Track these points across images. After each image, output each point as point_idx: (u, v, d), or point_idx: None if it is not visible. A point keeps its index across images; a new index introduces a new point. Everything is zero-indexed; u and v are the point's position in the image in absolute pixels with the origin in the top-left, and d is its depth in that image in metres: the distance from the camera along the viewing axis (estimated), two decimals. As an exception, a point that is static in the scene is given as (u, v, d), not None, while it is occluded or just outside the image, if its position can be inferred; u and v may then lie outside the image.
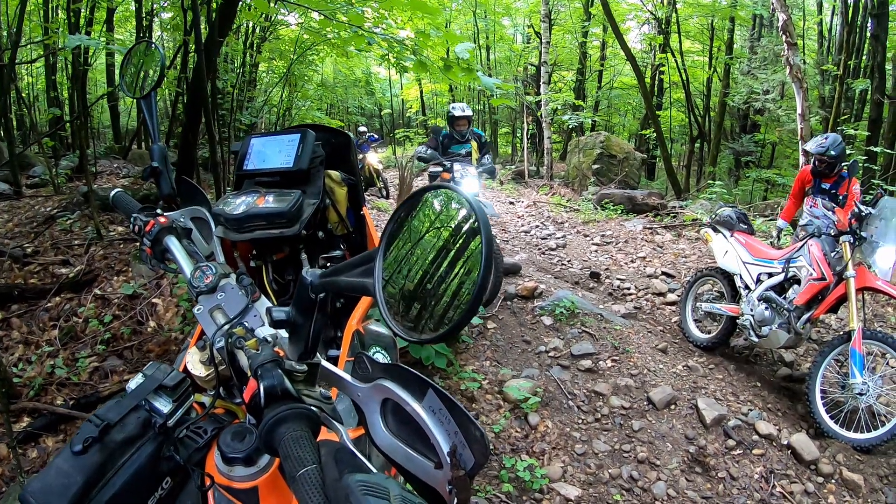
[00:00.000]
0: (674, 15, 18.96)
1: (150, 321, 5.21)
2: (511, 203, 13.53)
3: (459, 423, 0.97)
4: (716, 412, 4.59)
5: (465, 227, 0.92)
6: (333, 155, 2.20)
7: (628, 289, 7.56)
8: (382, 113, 35.97)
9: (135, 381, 1.14)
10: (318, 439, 0.96)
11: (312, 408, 1.02)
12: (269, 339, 1.23)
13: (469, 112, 7.54)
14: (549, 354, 5.34)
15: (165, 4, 11.60)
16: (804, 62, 13.73)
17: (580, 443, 4.30)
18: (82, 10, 10.71)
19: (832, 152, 5.64)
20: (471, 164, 7.03)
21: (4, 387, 3.75)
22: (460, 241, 0.92)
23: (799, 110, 10.04)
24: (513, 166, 20.15)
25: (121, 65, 2.10)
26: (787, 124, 16.78)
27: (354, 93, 29.55)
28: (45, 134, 10.43)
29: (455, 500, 0.99)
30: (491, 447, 4.12)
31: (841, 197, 5.54)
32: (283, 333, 1.26)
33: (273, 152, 2.04)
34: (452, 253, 0.93)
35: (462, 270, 0.91)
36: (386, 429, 1.08)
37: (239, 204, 1.85)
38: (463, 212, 0.94)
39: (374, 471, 1.05)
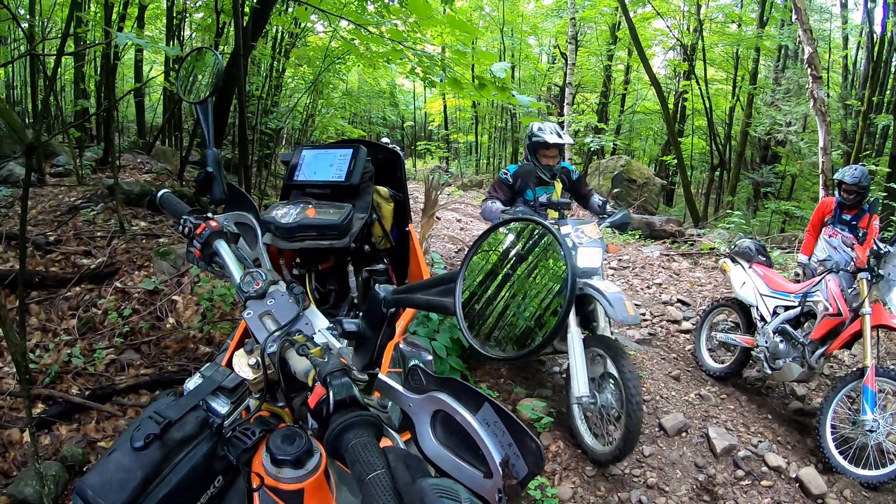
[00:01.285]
0: (699, 42, 18.99)
1: (170, 318, 5.29)
2: (529, 223, 13.53)
3: (514, 435, 1.02)
4: (726, 442, 4.62)
5: (549, 255, 1.00)
6: (382, 171, 2.26)
7: (643, 314, 7.58)
8: (405, 125, 36.08)
9: (193, 382, 1.19)
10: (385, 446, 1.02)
11: (376, 416, 1.07)
12: (332, 347, 1.28)
13: (566, 138, 5.42)
14: (563, 376, 5.37)
15: (198, 5, 11.71)
16: (828, 95, 13.73)
17: (591, 466, 4.33)
18: (115, 6, 10.82)
19: (863, 183, 5.69)
20: (582, 220, 5.32)
21: (21, 373, 3.81)
22: (546, 271, 0.99)
23: (821, 143, 10.07)
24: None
25: (177, 69, 2.16)
26: (808, 157, 16.77)
27: (378, 103, 29.65)
28: (71, 124, 10.48)
29: None
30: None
31: (861, 231, 5.57)
32: (336, 342, 1.32)
33: (324, 165, 2.10)
34: (535, 281, 1.00)
35: (547, 298, 0.98)
36: (435, 439, 1.12)
37: (290, 214, 1.91)
38: (545, 241, 1.01)
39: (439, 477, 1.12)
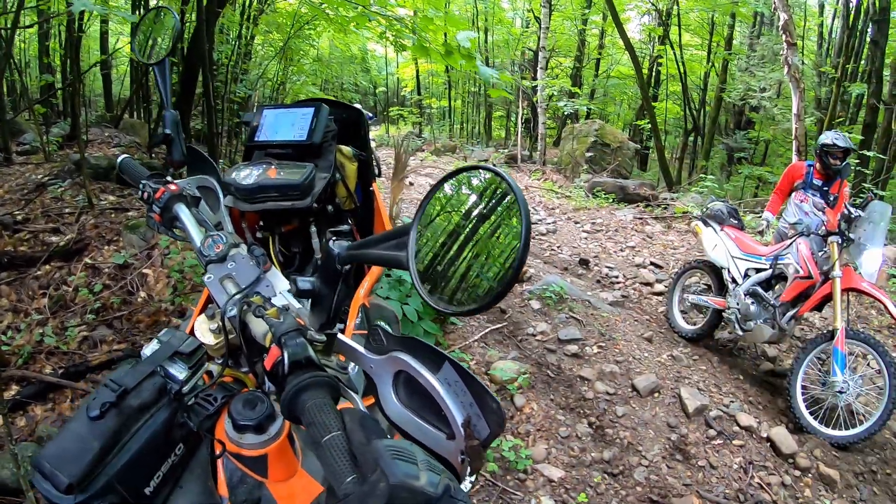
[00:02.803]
0: (675, 7, 18.94)
1: (141, 291, 5.22)
2: (503, 187, 13.51)
3: (475, 394, 0.99)
4: (698, 402, 4.66)
5: (504, 205, 0.96)
6: (345, 130, 2.22)
7: (616, 277, 7.63)
8: (377, 91, 35.79)
9: (150, 348, 1.15)
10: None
11: (333, 377, 1.04)
12: (289, 308, 1.25)
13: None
14: (537, 338, 5.38)
15: (163, -29, 11.48)
16: (802, 63, 13.78)
17: (564, 426, 4.35)
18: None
19: (850, 146, 5.70)
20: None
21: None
22: (496, 217, 0.95)
23: (795, 110, 10.11)
24: (506, 150, 20.13)
25: (132, 30, 2.10)
26: (782, 123, 16.88)
27: (350, 69, 29.34)
28: (36, 101, 10.30)
29: (468, 470, 1.02)
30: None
31: (832, 196, 5.60)
32: (296, 303, 1.29)
33: (286, 125, 2.05)
34: (490, 229, 0.96)
35: (500, 247, 0.94)
36: (397, 400, 1.10)
37: (250, 175, 1.86)
38: (500, 190, 0.97)
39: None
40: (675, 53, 18.86)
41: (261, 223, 2.11)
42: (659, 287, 7.28)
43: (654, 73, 22.62)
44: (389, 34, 5.57)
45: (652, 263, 8.11)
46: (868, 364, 4.86)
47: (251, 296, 1.27)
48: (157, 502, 1.03)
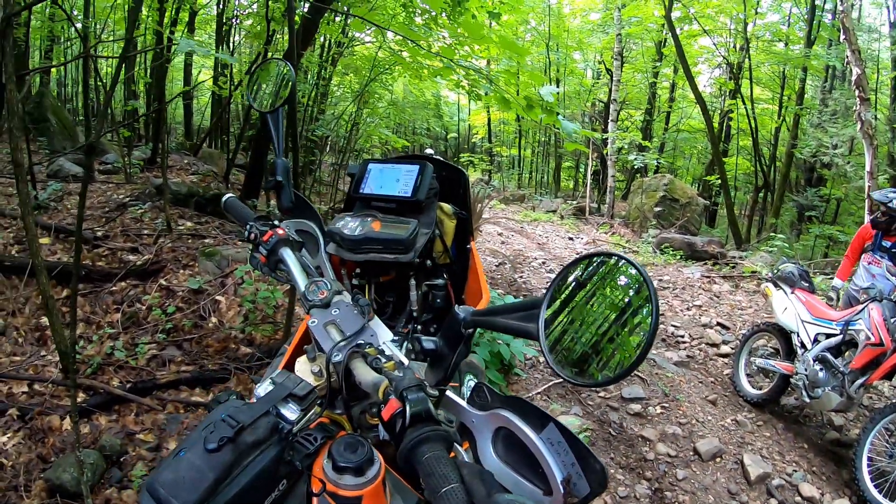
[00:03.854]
0: (746, 61, 18.83)
1: (212, 317, 5.38)
2: (570, 238, 13.54)
3: (578, 455, 1.07)
4: (760, 469, 4.59)
5: (637, 294, 1.04)
6: (446, 188, 2.31)
7: (682, 336, 7.55)
8: (448, 136, 36.11)
9: (263, 388, 1.21)
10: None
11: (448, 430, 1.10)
12: (405, 363, 1.31)
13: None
14: (600, 395, 5.38)
15: (247, 13, 11.90)
16: (875, 118, 13.53)
17: (623, 486, 4.33)
18: (168, 10, 11.07)
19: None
20: None
21: (70, 362, 3.90)
22: (630, 305, 1.04)
23: (868, 167, 9.92)
24: (574, 201, 20.14)
25: (248, 79, 2.24)
26: (854, 181, 16.46)
27: (423, 114, 29.75)
28: (122, 123, 10.79)
29: None
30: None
31: None
32: (402, 356, 1.34)
33: (391, 180, 2.15)
34: (626, 313, 1.04)
35: (631, 329, 1.03)
36: (495, 454, 1.17)
37: (356, 226, 1.96)
38: (634, 279, 1.06)
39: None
40: (745, 107, 18.73)
41: (358, 271, 2.21)
42: (725, 349, 7.18)
43: (724, 128, 22.43)
44: (465, 82, 5.69)
45: (718, 324, 8.01)
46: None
47: (364, 346, 1.33)
48: None
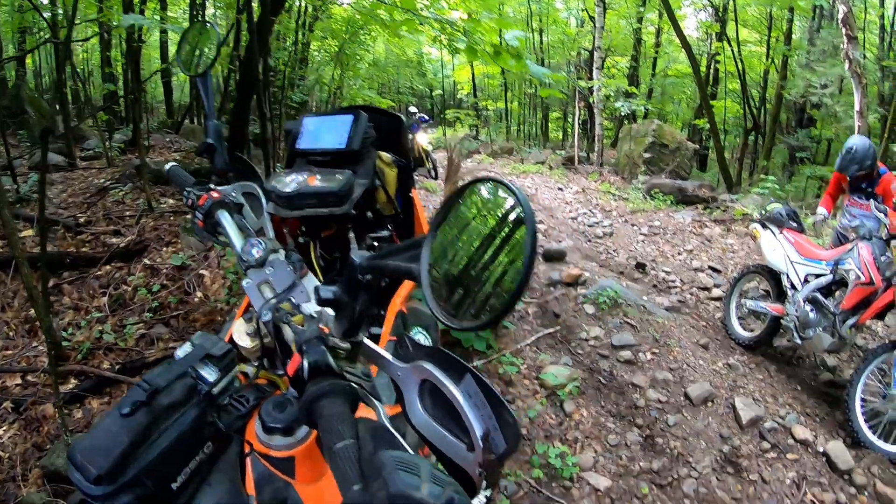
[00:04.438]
0: (731, 3, 18.59)
1: (197, 292, 5.35)
2: (559, 189, 13.41)
3: (494, 407, 1.00)
4: (752, 413, 4.55)
5: (512, 217, 0.96)
6: (385, 137, 2.23)
7: (673, 281, 7.51)
8: (433, 94, 35.86)
9: (183, 350, 1.17)
10: (356, 415, 1.01)
11: (353, 384, 1.07)
12: (315, 315, 1.27)
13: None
14: (590, 343, 5.32)
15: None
16: (864, 57, 13.41)
17: (614, 433, 4.30)
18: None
19: (867, 162, 5.52)
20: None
21: (54, 350, 3.88)
22: (506, 231, 0.95)
23: (857, 107, 9.85)
24: (563, 152, 19.99)
25: (178, 43, 2.16)
26: (845, 120, 16.36)
27: (406, 73, 29.57)
28: (99, 108, 10.73)
29: (484, 483, 1.02)
30: (523, 433, 4.14)
31: (879, 197, 5.42)
32: (329, 311, 1.30)
33: (326, 132, 2.08)
34: (497, 242, 0.96)
35: (506, 260, 0.94)
36: (422, 409, 1.11)
37: (291, 182, 1.90)
38: (509, 202, 0.96)
39: (409, 450, 1.12)
40: (732, 50, 18.57)
41: (302, 229, 2.14)
42: (717, 292, 7.15)
43: (712, 71, 22.26)
44: (443, 37, 5.58)
45: (710, 267, 7.97)
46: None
47: (283, 302, 1.31)
48: (184, 497, 1.06)
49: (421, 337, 2.05)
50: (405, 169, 2.33)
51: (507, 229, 0.95)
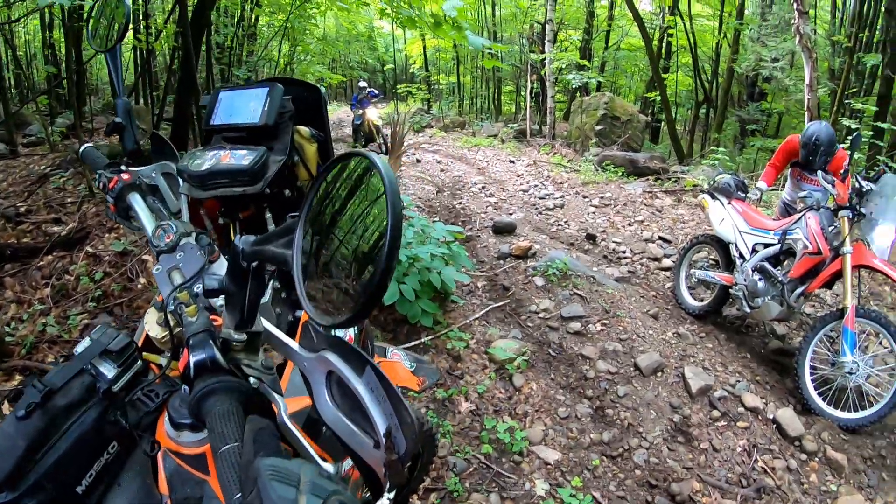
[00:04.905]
0: (684, -23, 18.64)
1: (141, 278, 5.23)
2: (511, 162, 13.37)
3: (394, 405, 0.91)
4: (702, 382, 4.54)
5: (379, 193, 0.83)
6: (304, 109, 2.11)
7: (624, 252, 7.51)
8: (385, 68, 35.56)
9: (82, 345, 1.10)
10: (251, 415, 0.93)
11: (250, 379, 1.00)
12: (209, 306, 1.19)
13: None
14: (539, 315, 5.28)
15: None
16: (815, 32, 13.51)
17: (564, 406, 4.25)
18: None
19: (834, 149, 5.51)
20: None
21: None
22: (376, 210, 0.83)
23: (807, 80, 9.90)
24: (515, 125, 19.93)
25: (87, 17, 2.03)
26: (795, 94, 16.57)
27: (356, 47, 29.28)
28: (40, 92, 10.39)
29: (388, 484, 0.96)
30: (472, 409, 4.08)
31: (830, 174, 5.43)
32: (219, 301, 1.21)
33: (241, 106, 1.96)
34: (368, 222, 0.84)
35: (372, 241, 0.82)
36: (331, 401, 1.03)
37: (204, 160, 1.78)
38: (375, 180, 0.84)
39: (308, 449, 1.07)
40: (685, 24, 18.59)
41: (222, 209, 2.02)
42: (667, 262, 7.14)
43: (664, 45, 22.32)
44: (391, 10, 5.47)
45: (661, 238, 7.97)
46: (880, 343, 4.71)
47: (182, 290, 1.20)
48: (92, 500, 1.02)
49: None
50: (325, 143, 2.21)
51: (377, 209, 0.83)
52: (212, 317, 1.09)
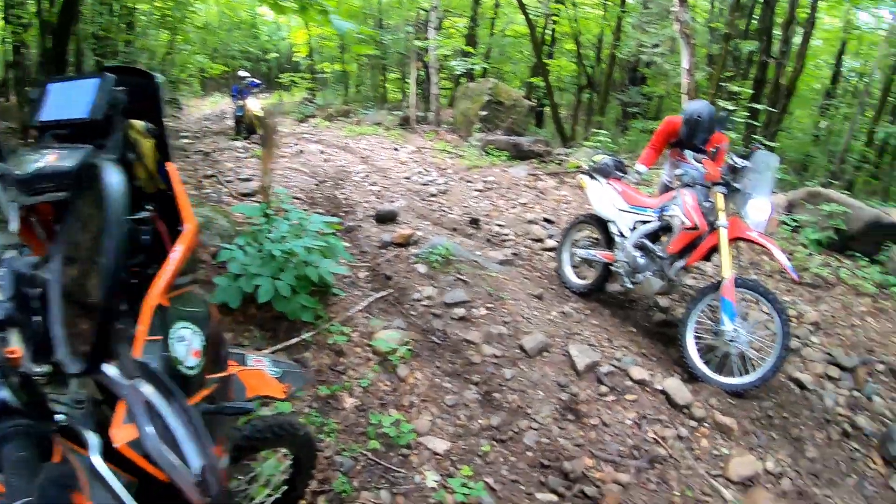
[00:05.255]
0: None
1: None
2: (395, 149, 13.19)
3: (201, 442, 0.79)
4: (588, 359, 4.55)
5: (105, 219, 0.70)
6: (139, 101, 1.91)
7: (507, 235, 7.48)
8: (269, 56, 34.78)
9: None
10: (48, 462, 0.83)
11: (57, 416, 0.92)
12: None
13: None
14: (423, 303, 5.17)
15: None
16: (693, 20, 13.96)
17: (450, 393, 4.16)
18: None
19: (714, 127, 5.59)
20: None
21: None
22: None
23: (685, 64, 10.18)
24: (400, 112, 19.79)
25: None
26: (674, 78, 17.01)
27: (238, 36, 28.53)
28: None
29: None
30: (357, 405, 3.95)
31: (710, 151, 5.53)
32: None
33: (69, 100, 1.75)
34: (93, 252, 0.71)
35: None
36: (153, 432, 0.91)
37: (31, 162, 1.58)
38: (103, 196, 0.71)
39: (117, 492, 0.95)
40: (568, 12, 18.84)
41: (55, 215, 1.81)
42: (550, 243, 7.18)
43: (550, 32, 22.58)
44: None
45: (544, 219, 8.00)
46: (761, 310, 4.84)
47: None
48: None
49: (187, 332, 1.72)
50: (162, 138, 2.00)
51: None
52: (8, 350, 0.95)
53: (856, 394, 5.04)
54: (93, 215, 0.77)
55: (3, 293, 1.05)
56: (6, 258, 1.18)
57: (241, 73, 14.95)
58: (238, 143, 12.22)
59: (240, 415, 1.55)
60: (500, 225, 7.77)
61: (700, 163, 5.13)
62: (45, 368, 0.97)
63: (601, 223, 5.88)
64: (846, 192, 10.03)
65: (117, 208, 0.61)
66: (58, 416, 0.91)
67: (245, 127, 13.47)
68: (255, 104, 13.39)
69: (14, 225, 1.45)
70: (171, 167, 2.03)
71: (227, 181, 8.11)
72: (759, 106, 12.26)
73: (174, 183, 2.02)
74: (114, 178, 0.66)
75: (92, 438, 0.99)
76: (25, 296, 0.97)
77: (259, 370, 2.07)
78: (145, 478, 0.98)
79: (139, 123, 1.91)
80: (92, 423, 1.00)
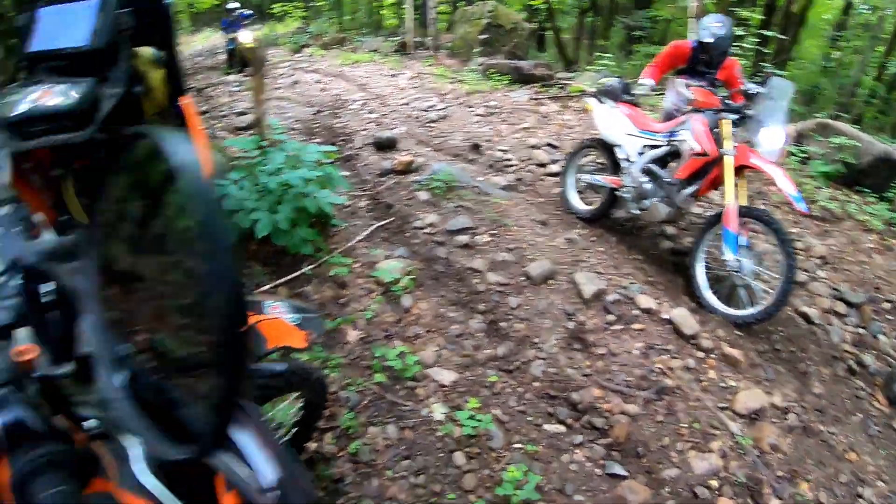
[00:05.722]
0: None
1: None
2: (393, 76, 12.91)
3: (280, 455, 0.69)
4: (595, 286, 4.44)
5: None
6: (148, 25, 1.69)
7: (510, 160, 7.31)
8: (259, -16, 33.99)
9: None
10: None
11: (87, 422, 0.76)
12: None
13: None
14: (425, 231, 5.07)
15: None
16: (702, -61, 13.54)
17: (455, 323, 4.09)
18: None
19: (726, 43, 5.41)
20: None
21: None
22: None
23: (693, -13, 9.89)
24: (397, 39, 19.37)
25: None
26: (681, 1, 16.64)
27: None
28: None
29: None
30: (363, 336, 3.88)
31: (719, 83, 5.36)
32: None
33: (65, 26, 1.55)
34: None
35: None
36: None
37: (20, 101, 1.39)
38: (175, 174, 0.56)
39: None
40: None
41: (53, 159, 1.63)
42: (554, 168, 7.02)
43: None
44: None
45: (548, 144, 7.81)
46: (767, 241, 4.72)
47: None
48: None
49: None
50: (174, 68, 1.78)
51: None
52: (18, 350, 0.77)
53: (861, 331, 4.98)
54: (150, 214, 0.62)
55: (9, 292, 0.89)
56: (2, 215, 1.00)
57: (231, 6, 14.56)
58: (231, 78, 12.07)
59: (274, 378, 1.42)
60: (502, 150, 7.59)
61: (690, 92, 4.97)
62: (66, 368, 0.80)
63: (607, 148, 5.71)
64: (855, 126, 9.85)
65: (215, 216, 0.45)
66: (88, 424, 0.77)
67: (238, 60, 13.24)
68: (247, 36, 13.10)
69: (5, 175, 1.29)
70: (186, 102, 1.84)
71: (222, 116, 7.95)
72: (768, 33, 11.93)
73: (190, 121, 1.83)
74: (191, 162, 0.49)
75: (133, 446, 0.82)
76: (36, 293, 0.83)
77: (278, 319, 1.92)
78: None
79: (147, 51, 1.71)
80: (130, 420, 0.77)
